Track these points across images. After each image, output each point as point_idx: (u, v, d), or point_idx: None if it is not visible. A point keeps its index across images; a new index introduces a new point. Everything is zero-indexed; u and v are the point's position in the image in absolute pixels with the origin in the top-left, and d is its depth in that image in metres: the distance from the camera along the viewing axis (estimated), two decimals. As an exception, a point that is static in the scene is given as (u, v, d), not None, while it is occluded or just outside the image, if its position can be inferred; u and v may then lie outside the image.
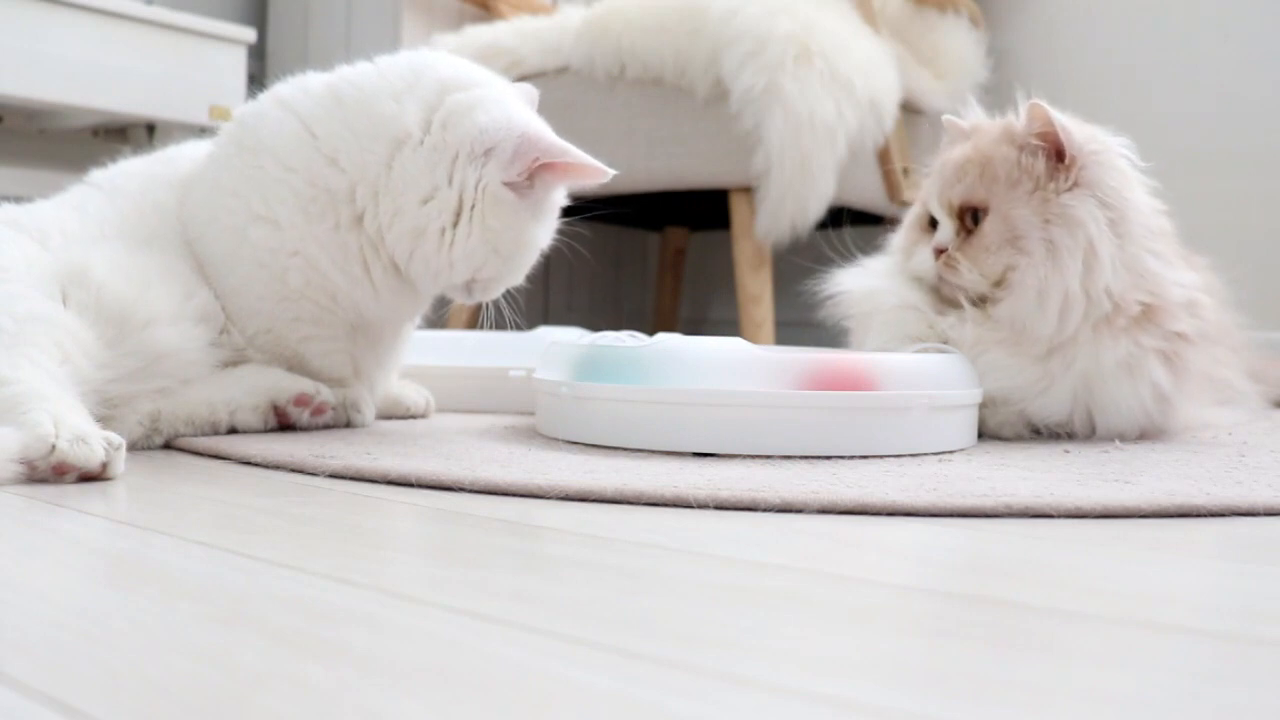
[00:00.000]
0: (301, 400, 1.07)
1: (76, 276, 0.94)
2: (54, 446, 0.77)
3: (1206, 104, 2.17)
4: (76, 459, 0.78)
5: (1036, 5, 2.39)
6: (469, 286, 1.07)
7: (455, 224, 1.03)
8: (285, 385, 1.07)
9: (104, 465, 0.79)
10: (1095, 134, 1.09)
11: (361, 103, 1.06)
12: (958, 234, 1.10)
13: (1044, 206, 1.05)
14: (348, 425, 1.12)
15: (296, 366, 1.10)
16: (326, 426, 1.10)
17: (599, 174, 1.03)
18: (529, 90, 1.13)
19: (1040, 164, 1.06)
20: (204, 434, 1.02)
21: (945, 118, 1.20)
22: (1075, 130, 1.06)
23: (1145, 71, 2.24)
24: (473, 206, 1.02)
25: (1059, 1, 2.37)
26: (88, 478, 0.79)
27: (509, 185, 1.02)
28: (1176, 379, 1.07)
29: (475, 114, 1.04)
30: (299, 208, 1.05)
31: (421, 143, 1.03)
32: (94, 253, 0.97)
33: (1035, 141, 1.07)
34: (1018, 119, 1.11)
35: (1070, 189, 1.05)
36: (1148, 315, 1.05)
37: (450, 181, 1.02)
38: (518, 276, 1.09)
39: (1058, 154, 1.06)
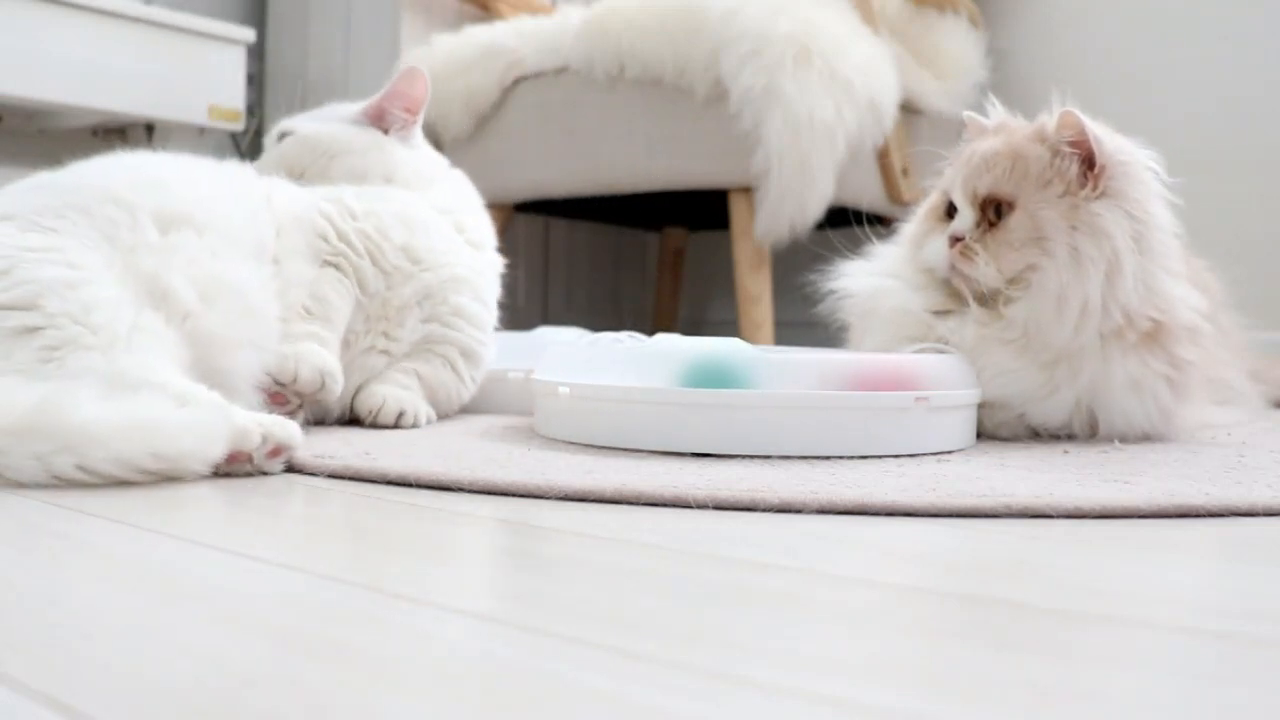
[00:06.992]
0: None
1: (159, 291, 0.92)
2: (264, 435, 0.81)
3: (1206, 104, 2.17)
4: (287, 439, 0.83)
5: (1036, 5, 2.40)
6: None
7: None
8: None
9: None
10: (1125, 145, 1.08)
11: None
12: (978, 225, 1.09)
13: (1072, 212, 1.04)
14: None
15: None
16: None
17: None
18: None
19: (1073, 169, 1.05)
20: None
21: (966, 114, 1.20)
22: (1107, 140, 1.06)
23: (1145, 72, 2.25)
24: None
25: (1059, 1, 2.37)
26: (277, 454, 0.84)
27: None
28: (1178, 399, 1.08)
29: None
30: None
31: None
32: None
33: (1067, 147, 1.06)
34: (1050, 119, 1.09)
35: (1099, 197, 1.04)
36: (1155, 335, 1.05)
37: None
38: None
39: (1088, 161, 1.05)
